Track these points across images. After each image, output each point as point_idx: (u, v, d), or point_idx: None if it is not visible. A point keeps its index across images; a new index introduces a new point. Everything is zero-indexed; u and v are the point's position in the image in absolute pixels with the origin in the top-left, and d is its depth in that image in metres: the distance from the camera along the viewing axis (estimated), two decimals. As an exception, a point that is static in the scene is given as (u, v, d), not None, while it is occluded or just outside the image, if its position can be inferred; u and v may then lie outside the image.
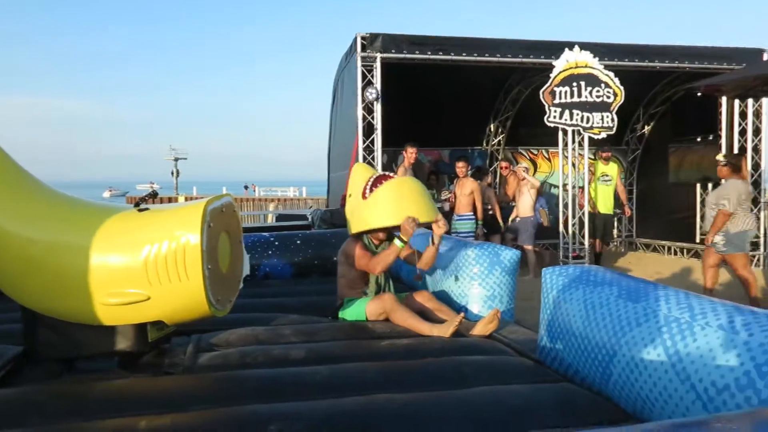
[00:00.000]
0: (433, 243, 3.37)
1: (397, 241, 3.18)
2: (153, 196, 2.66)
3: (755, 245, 8.42)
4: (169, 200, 28.09)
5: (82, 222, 2.36)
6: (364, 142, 7.29)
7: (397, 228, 3.25)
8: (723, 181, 5.73)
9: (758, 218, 8.46)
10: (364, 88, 7.18)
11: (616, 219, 7.83)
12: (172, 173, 48.97)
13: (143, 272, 2.29)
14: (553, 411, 2.02)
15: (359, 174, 3.51)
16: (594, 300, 2.26)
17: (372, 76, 7.22)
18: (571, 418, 1.98)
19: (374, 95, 7.15)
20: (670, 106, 10.10)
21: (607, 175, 8.13)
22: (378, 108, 7.27)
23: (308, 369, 2.35)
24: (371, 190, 3.32)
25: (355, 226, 3.41)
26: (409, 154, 6.89)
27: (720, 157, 5.83)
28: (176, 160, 50.63)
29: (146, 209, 2.47)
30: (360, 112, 7.24)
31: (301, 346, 2.70)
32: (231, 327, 2.93)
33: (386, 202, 3.28)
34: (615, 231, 8.26)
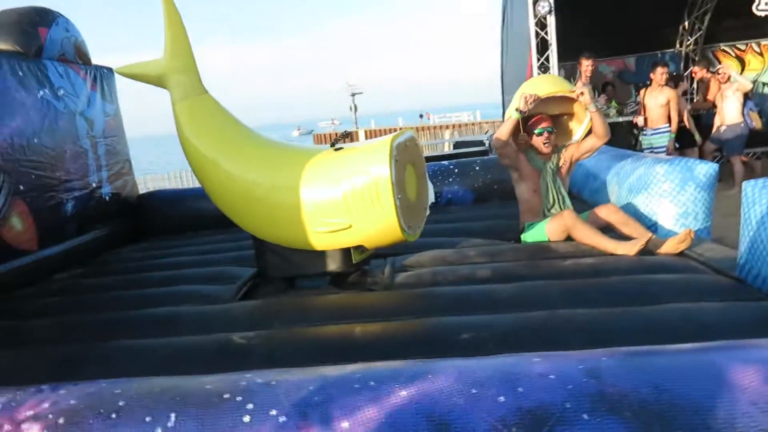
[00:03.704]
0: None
1: (514, 113, 3.33)
2: (346, 135, 2.98)
3: None
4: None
5: (293, 164, 2.77)
6: (538, 59, 7.00)
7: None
8: None
9: None
10: (535, 2, 6.82)
11: None
12: (350, 108, 51.12)
13: (344, 204, 2.64)
14: (750, 328, 1.95)
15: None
16: (803, 213, 2.08)
17: (544, -13, 6.82)
18: (771, 336, 1.91)
19: (547, 8, 6.76)
20: None
21: None
22: (552, 21, 6.88)
23: (494, 286, 2.54)
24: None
25: None
26: (585, 67, 6.28)
27: None
28: (353, 95, 52.49)
29: (341, 149, 2.80)
30: (533, 28, 6.93)
31: (486, 266, 2.89)
32: (420, 250, 3.22)
33: (517, 94, 3.48)
34: None
